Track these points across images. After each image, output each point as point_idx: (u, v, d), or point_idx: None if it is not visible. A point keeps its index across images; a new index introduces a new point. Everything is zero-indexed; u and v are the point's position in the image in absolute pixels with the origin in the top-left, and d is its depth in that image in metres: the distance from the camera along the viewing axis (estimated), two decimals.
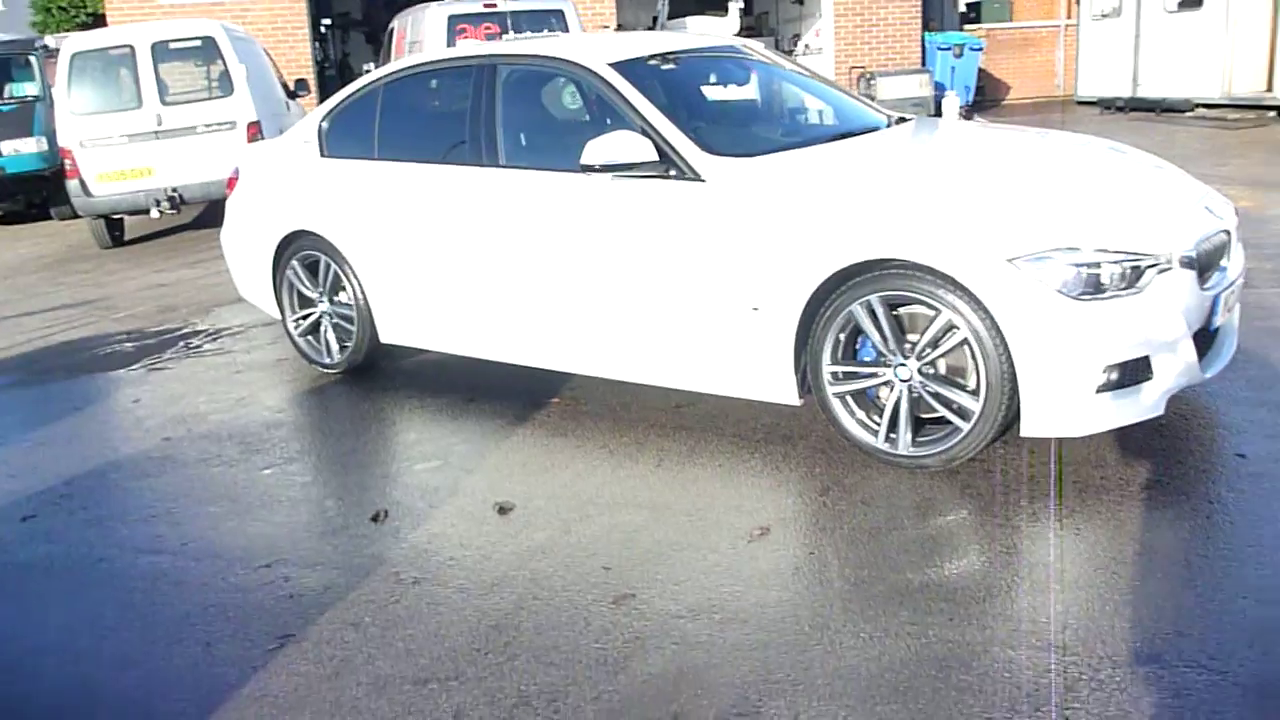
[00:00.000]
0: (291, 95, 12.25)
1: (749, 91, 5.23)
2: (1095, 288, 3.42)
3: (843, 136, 4.55)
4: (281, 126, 9.92)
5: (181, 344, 6.45)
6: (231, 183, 5.90)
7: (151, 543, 3.71)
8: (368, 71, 15.27)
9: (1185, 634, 2.69)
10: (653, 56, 4.69)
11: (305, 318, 5.55)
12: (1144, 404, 3.58)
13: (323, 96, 14.19)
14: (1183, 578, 2.98)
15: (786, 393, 3.99)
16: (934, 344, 3.64)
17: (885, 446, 3.80)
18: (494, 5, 11.14)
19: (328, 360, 5.48)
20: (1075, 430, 3.54)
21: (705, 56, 5.05)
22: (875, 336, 3.73)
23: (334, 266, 5.27)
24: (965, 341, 3.54)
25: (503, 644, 2.88)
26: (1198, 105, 14.57)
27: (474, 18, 11.10)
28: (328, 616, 3.10)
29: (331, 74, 20.35)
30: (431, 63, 5.11)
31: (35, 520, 3.99)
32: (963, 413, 3.62)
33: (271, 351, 6.06)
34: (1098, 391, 3.47)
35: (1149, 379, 3.53)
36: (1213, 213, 3.90)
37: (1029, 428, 3.52)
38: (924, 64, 16.44)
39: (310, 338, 5.58)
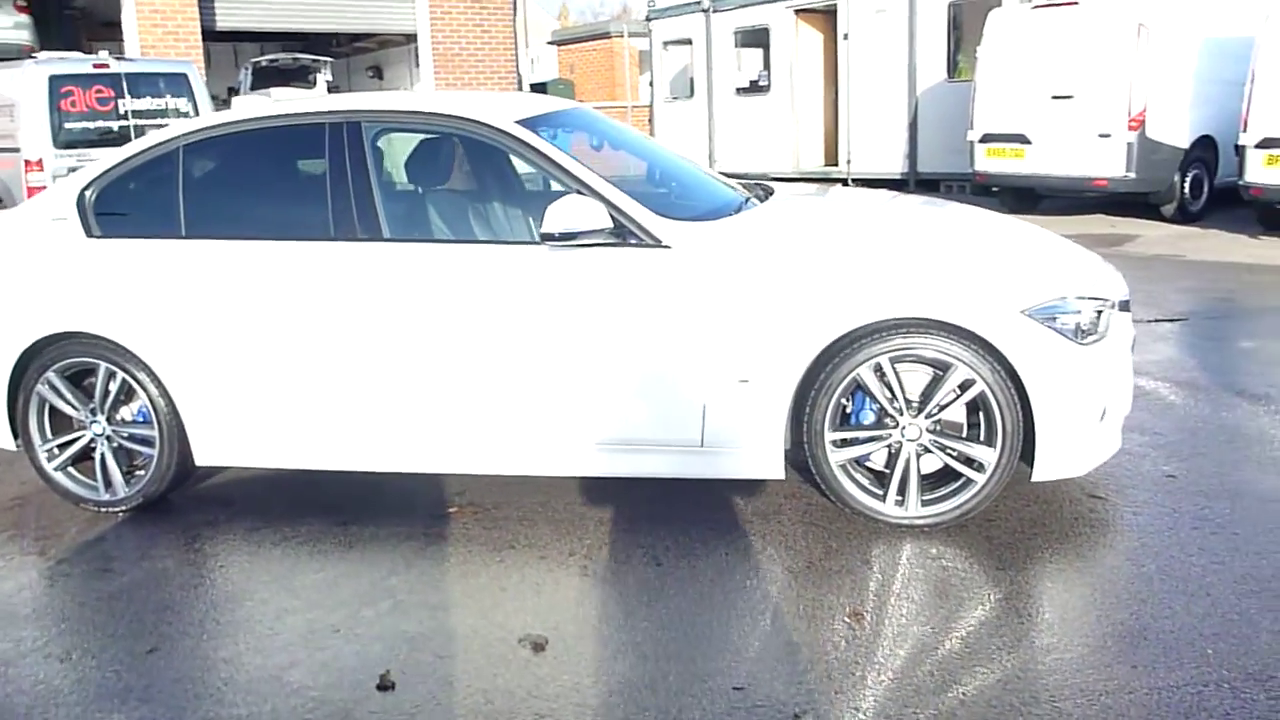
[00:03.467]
0: None
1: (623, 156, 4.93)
2: (1088, 332, 3.61)
3: (744, 204, 4.40)
4: None
5: None
6: None
7: None
8: None
9: None
10: (535, 117, 4.24)
11: (67, 444, 4.27)
12: (1116, 437, 3.85)
13: None
14: None
15: (773, 467, 3.75)
16: (939, 400, 3.63)
17: (894, 511, 3.69)
18: (106, 65, 9.61)
19: (108, 495, 4.24)
20: (1081, 469, 3.70)
21: (566, 118, 4.67)
22: (882, 397, 3.64)
23: (121, 375, 4.11)
24: (982, 394, 3.57)
25: None
26: (774, 178, 16.32)
27: (83, 79, 9.48)
28: None
29: None
30: (254, 120, 4.19)
31: None
32: (978, 465, 3.63)
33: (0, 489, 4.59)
34: (1094, 430, 3.67)
35: (1113, 413, 3.79)
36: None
37: (1043, 472, 3.61)
38: None
39: (74, 469, 4.30)
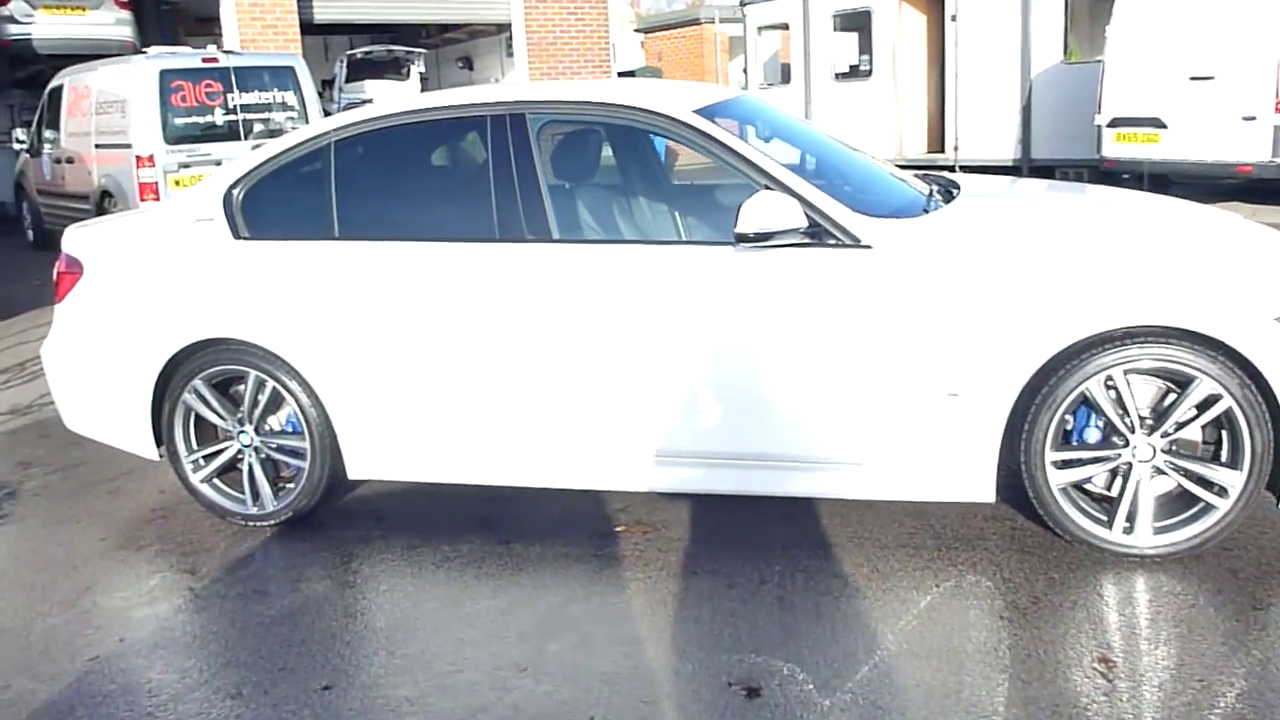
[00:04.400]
0: None
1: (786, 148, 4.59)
2: None
3: (930, 199, 4.02)
4: None
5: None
6: (64, 280, 4.26)
7: None
8: (17, 140, 12.71)
9: None
10: (709, 106, 3.92)
11: (213, 455, 4.08)
12: None
13: None
14: None
15: (983, 489, 3.40)
16: (1177, 418, 3.24)
17: (1122, 539, 3.32)
18: (215, 60, 9.53)
19: (255, 510, 4.05)
20: None
21: (734, 107, 4.33)
22: (1113, 413, 3.26)
23: (271, 384, 3.91)
24: (1229, 410, 3.17)
25: None
26: None
27: (193, 74, 9.41)
28: None
29: None
30: (409, 113, 3.94)
31: None
32: (1219, 490, 3.24)
33: (140, 499, 4.42)
34: None
35: None
36: None
37: None
38: None
39: (219, 481, 4.12)
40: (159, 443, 4.13)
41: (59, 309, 4.28)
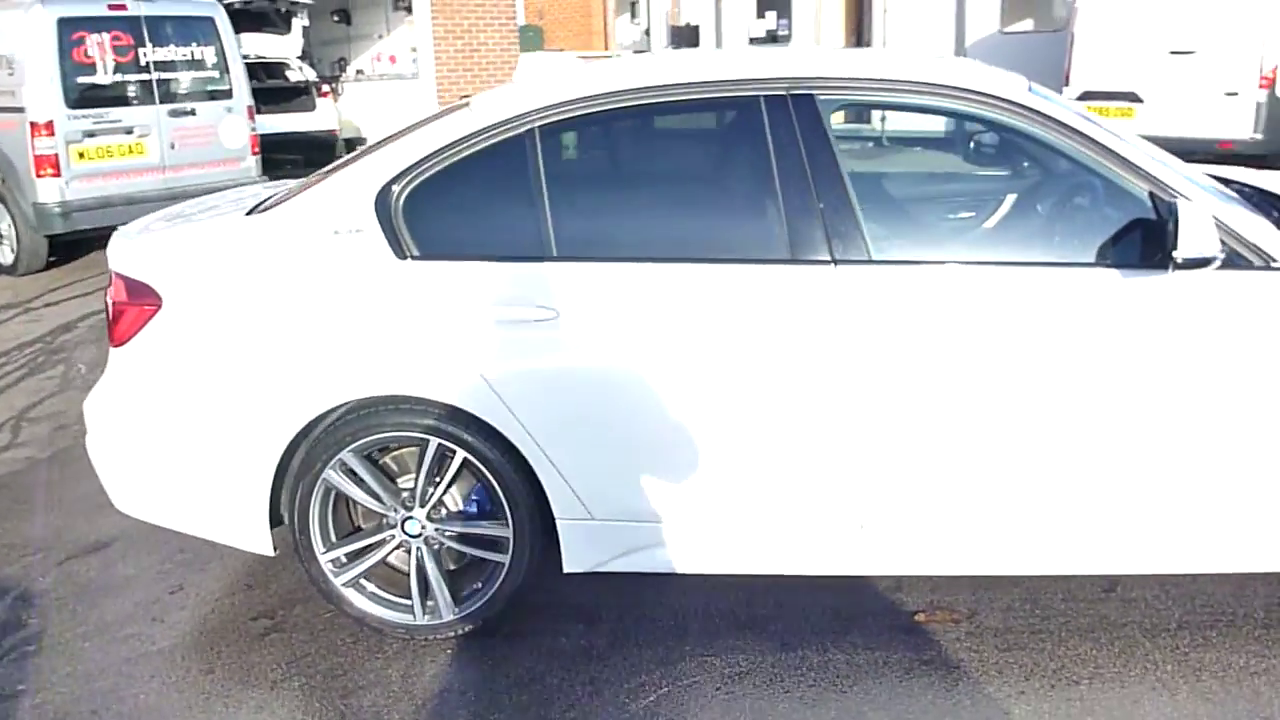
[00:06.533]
0: None
1: None
2: None
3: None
4: None
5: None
6: (127, 314, 3.07)
7: None
8: None
9: None
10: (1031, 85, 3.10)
11: (362, 551, 3.04)
12: None
13: None
14: None
15: None
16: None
17: (427, 621, 3.04)
18: (123, 7, 7.92)
19: (426, 619, 3.03)
20: None
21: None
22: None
23: (459, 454, 2.89)
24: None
25: None
26: None
27: (96, 23, 7.79)
28: None
29: None
30: (646, 90, 2.92)
31: None
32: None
33: (227, 604, 3.30)
34: None
35: None
36: None
37: None
38: None
39: (368, 582, 3.08)
40: (292, 528, 3.05)
41: (119, 353, 3.10)
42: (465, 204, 2.97)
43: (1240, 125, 9.62)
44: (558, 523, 2.93)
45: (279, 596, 3.34)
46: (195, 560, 3.57)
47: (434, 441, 2.89)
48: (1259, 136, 9.60)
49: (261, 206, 3.19)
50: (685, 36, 16.60)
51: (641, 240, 2.90)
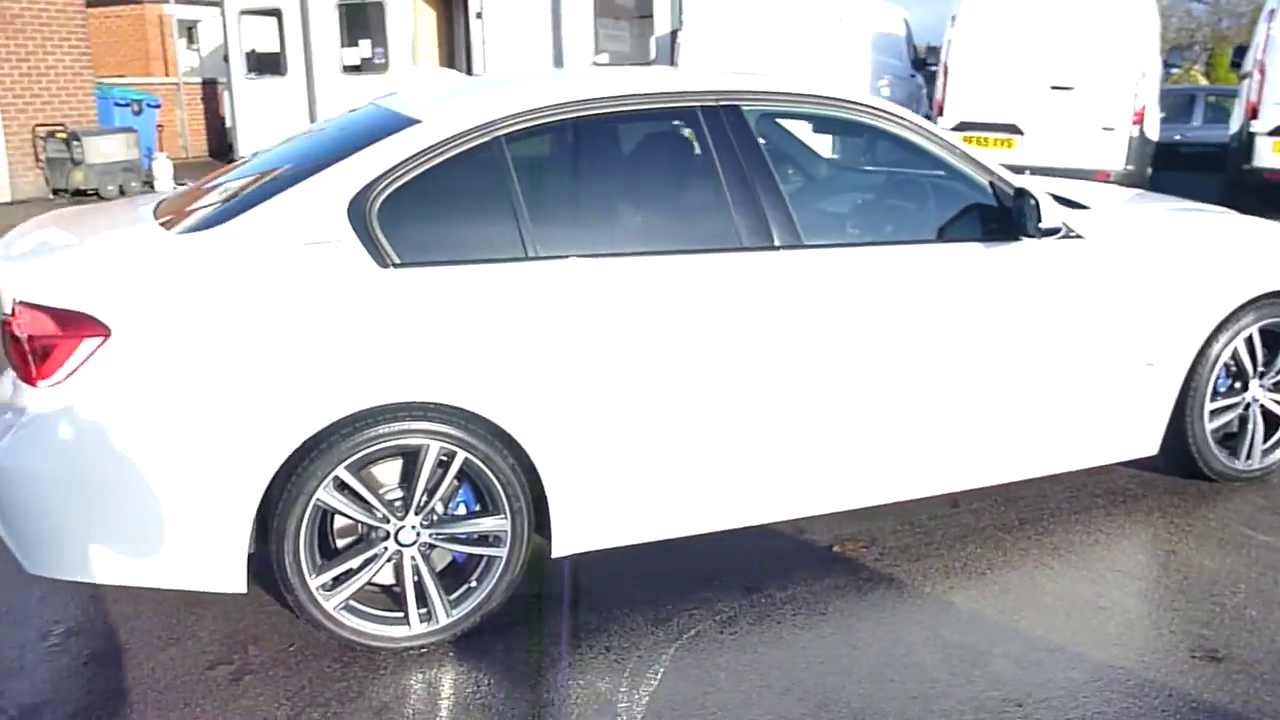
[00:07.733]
0: None
1: None
2: None
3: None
4: None
5: None
6: (59, 349, 2.72)
7: None
8: None
9: None
10: None
11: (353, 570, 2.97)
12: None
13: None
14: None
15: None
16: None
17: (423, 630, 3.03)
18: None
19: (423, 628, 3.02)
20: None
21: None
22: (1248, 364, 3.89)
23: (460, 455, 2.95)
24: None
25: None
26: None
27: None
28: None
29: None
30: (602, 100, 3.17)
31: None
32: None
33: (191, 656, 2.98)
34: None
35: None
36: None
37: None
38: (101, 121, 13.84)
39: (356, 601, 3.00)
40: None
41: (43, 394, 2.74)
42: (441, 210, 3.03)
43: (1114, 157, 10.27)
44: (551, 510, 3.08)
45: (221, 641, 3.11)
46: (84, 628, 3.18)
47: (434, 445, 2.93)
48: (1131, 167, 10.31)
49: (197, 223, 2.98)
50: (271, 64, 15.99)
51: (607, 235, 3.17)
